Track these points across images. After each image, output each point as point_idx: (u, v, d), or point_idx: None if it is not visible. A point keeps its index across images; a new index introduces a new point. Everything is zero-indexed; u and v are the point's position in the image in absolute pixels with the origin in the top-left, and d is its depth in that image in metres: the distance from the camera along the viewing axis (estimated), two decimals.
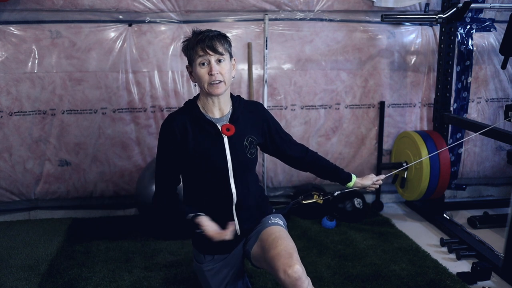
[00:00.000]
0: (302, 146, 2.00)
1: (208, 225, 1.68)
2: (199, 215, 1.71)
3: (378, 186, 2.05)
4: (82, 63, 2.96)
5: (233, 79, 1.81)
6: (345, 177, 2.00)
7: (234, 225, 1.74)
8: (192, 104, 1.82)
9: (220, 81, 1.72)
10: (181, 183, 1.88)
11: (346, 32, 3.22)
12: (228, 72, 1.74)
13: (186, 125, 1.76)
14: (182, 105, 1.87)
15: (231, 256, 1.89)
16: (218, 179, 1.78)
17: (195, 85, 1.79)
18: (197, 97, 1.84)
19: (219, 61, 1.72)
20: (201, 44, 1.69)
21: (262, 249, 1.73)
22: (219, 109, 1.80)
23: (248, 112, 1.85)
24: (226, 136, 1.77)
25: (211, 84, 1.71)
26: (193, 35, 1.75)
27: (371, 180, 2.02)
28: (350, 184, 2.00)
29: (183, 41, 1.78)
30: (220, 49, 1.70)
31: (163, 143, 1.79)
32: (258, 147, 1.89)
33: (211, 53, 1.69)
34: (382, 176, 2.06)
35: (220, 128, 1.77)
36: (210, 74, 1.70)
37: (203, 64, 1.71)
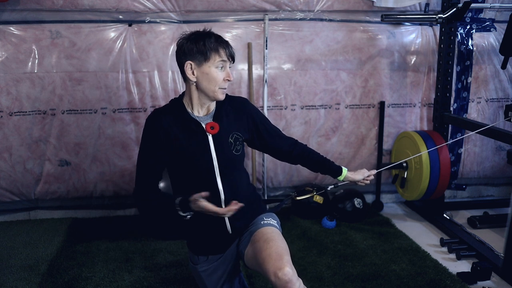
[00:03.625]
0: (290, 139, 2.00)
1: (205, 203, 1.63)
2: (188, 198, 1.66)
3: (369, 181, 2.05)
4: (82, 63, 2.96)
5: None
6: (336, 169, 1.99)
7: (235, 205, 1.66)
8: (177, 102, 1.82)
9: (225, 88, 1.77)
10: (163, 179, 1.88)
11: (346, 32, 3.22)
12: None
13: (171, 123, 1.76)
14: (169, 101, 1.86)
15: (225, 256, 1.89)
16: (204, 177, 1.78)
17: (193, 83, 1.74)
18: (182, 95, 1.84)
19: (229, 68, 1.77)
20: (225, 50, 1.73)
21: (254, 251, 1.73)
22: (207, 108, 1.81)
23: (233, 109, 1.86)
24: (210, 134, 1.78)
25: (221, 89, 1.75)
26: (200, 35, 1.73)
27: (363, 175, 2.02)
28: (341, 177, 2.00)
29: (183, 39, 1.75)
30: (234, 58, 1.78)
31: (147, 137, 1.78)
32: (244, 143, 1.89)
33: (231, 60, 1.75)
34: (374, 171, 2.06)
35: (204, 127, 1.77)
36: (227, 79, 1.74)
37: (221, 67, 1.73)
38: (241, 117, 1.86)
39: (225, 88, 1.76)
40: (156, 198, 1.79)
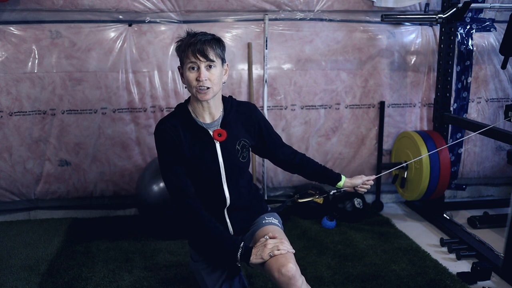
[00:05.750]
0: (290, 148, 1.99)
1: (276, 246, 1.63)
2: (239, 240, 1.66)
3: (369, 186, 2.03)
4: (82, 63, 2.96)
5: (224, 84, 1.78)
6: (334, 178, 1.99)
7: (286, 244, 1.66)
8: (183, 109, 1.79)
9: (208, 88, 1.68)
10: None
11: (346, 32, 3.22)
12: (217, 78, 1.70)
13: (178, 130, 1.73)
14: (174, 108, 1.83)
15: None
16: (211, 184, 1.77)
17: (185, 87, 1.75)
18: (188, 101, 1.81)
19: (209, 67, 1.67)
20: (192, 47, 1.65)
21: None
22: (210, 114, 1.77)
23: (240, 114, 1.82)
24: (218, 142, 1.76)
25: (199, 90, 1.68)
26: (186, 36, 1.71)
27: (361, 180, 2.01)
28: (340, 184, 1.99)
29: (177, 42, 1.74)
30: (211, 55, 1.66)
31: (164, 147, 1.73)
32: (250, 149, 1.88)
33: (201, 58, 1.65)
34: (373, 177, 2.05)
35: (211, 134, 1.75)
36: (198, 80, 1.66)
37: (192, 68, 1.67)
38: (248, 123, 1.84)
39: (204, 88, 1.67)
40: (210, 220, 1.70)
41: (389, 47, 3.28)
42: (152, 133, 3.11)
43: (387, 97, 3.33)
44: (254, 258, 1.62)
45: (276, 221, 1.86)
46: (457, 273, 2.47)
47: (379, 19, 3.19)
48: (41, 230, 3.02)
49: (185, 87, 1.76)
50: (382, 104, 3.32)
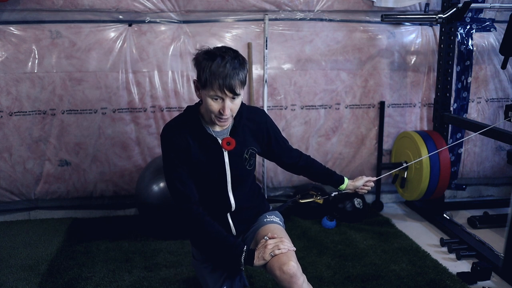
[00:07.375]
0: (296, 151, 1.99)
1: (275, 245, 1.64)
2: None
3: (370, 188, 2.05)
4: (82, 63, 2.96)
5: None
6: (338, 180, 2.01)
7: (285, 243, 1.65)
8: (192, 114, 1.74)
9: (228, 117, 1.64)
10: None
11: (346, 32, 3.22)
12: (238, 106, 1.66)
13: (186, 136, 1.71)
14: (184, 110, 1.79)
15: None
16: (217, 190, 1.77)
17: (200, 103, 1.67)
18: (198, 105, 1.76)
19: (234, 98, 1.62)
20: (220, 82, 1.55)
21: None
22: None
23: (249, 121, 1.80)
24: (226, 151, 1.74)
25: (220, 120, 1.64)
26: (210, 56, 1.58)
27: (363, 180, 2.03)
28: (343, 186, 2.01)
29: (199, 53, 1.63)
30: (238, 89, 1.59)
31: (171, 152, 1.69)
32: (256, 155, 1.87)
33: (228, 94, 1.58)
34: (374, 178, 2.07)
35: (220, 142, 1.73)
36: (221, 112, 1.61)
37: (216, 98, 1.60)
38: (257, 130, 1.81)
39: (222, 119, 1.62)
40: (214, 225, 1.67)
41: (389, 47, 3.28)
42: (152, 133, 3.12)
43: (387, 97, 3.33)
44: (257, 261, 1.63)
45: (277, 219, 1.87)
46: (457, 273, 2.47)
47: (379, 19, 3.19)
48: (41, 230, 3.02)
49: (200, 102, 1.70)
50: (382, 104, 3.32)
